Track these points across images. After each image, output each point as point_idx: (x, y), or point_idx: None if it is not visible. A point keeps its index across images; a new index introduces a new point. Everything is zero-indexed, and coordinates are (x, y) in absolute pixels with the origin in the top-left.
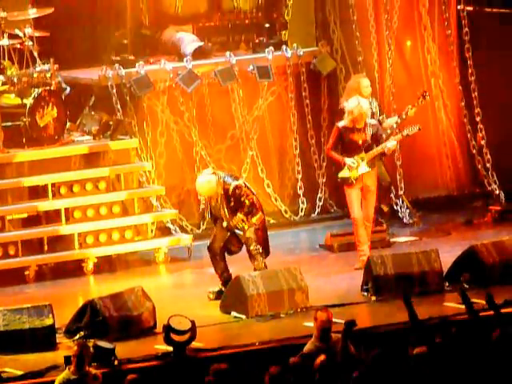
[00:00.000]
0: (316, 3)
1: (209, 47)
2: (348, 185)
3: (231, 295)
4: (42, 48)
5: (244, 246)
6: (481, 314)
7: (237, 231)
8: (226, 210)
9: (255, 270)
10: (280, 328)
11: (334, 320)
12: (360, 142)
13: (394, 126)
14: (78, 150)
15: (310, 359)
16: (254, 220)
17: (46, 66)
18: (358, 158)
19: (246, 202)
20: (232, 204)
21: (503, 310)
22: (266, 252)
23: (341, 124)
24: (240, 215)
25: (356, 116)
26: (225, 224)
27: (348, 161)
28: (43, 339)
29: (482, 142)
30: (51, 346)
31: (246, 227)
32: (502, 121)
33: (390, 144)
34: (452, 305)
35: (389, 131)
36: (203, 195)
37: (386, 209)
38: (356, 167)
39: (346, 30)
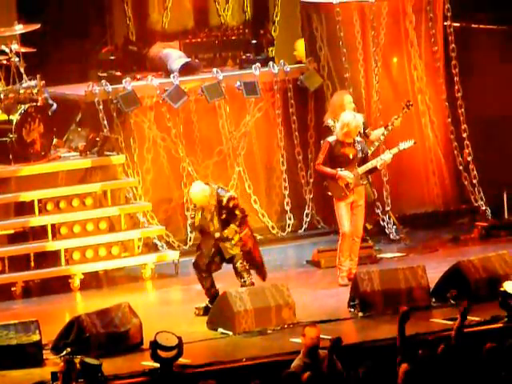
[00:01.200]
0: (303, 20)
1: (196, 63)
2: (339, 198)
3: (218, 311)
4: (28, 64)
5: (225, 263)
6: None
7: (225, 245)
8: (217, 222)
9: (242, 286)
10: (267, 344)
11: (321, 336)
12: (351, 157)
13: (381, 137)
14: (64, 166)
15: (297, 375)
16: (241, 235)
17: (33, 82)
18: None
19: (238, 213)
20: (224, 217)
21: (490, 326)
22: (259, 271)
23: (331, 139)
24: (233, 226)
25: (352, 129)
26: (217, 235)
27: (343, 173)
28: (30, 355)
29: (469, 159)
30: (38, 362)
31: (234, 240)
32: (488, 137)
33: (386, 157)
34: (439, 321)
35: (376, 143)
36: (196, 204)
37: (369, 226)
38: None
39: (332, 46)
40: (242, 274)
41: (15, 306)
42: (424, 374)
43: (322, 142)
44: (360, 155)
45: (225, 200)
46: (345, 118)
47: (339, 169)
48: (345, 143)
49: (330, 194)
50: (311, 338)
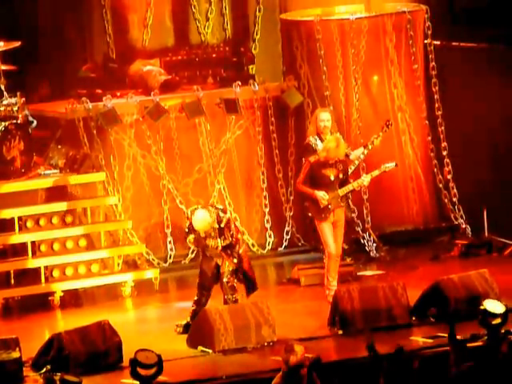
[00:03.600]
0: (283, 38)
1: (176, 81)
2: (319, 220)
3: (198, 329)
4: (9, 81)
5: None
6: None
7: (225, 262)
8: (219, 242)
9: (225, 302)
10: (247, 362)
11: None
12: (332, 178)
13: (361, 156)
14: (44, 183)
15: None
16: (240, 251)
17: (13, 100)
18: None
19: (234, 233)
20: (223, 237)
21: (469, 345)
22: (252, 287)
23: (312, 159)
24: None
25: (331, 156)
26: (218, 253)
27: (319, 193)
28: (10, 372)
29: (449, 177)
30: (18, 379)
31: (230, 260)
32: (468, 155)
33: (365, 180)
34: (419, 339)
35: (357, 162)
36: (202, 231)
37: (345, 246)
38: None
39: (313, 64)
40: (227, 291)
41: None
42: None
43: (303, 159)
44: (341, 176)
45: (224, 221)
46: (328, 144)
47: (322, 191)
48: (326, 164)
49: (310, 214)
50: (302, 354)
